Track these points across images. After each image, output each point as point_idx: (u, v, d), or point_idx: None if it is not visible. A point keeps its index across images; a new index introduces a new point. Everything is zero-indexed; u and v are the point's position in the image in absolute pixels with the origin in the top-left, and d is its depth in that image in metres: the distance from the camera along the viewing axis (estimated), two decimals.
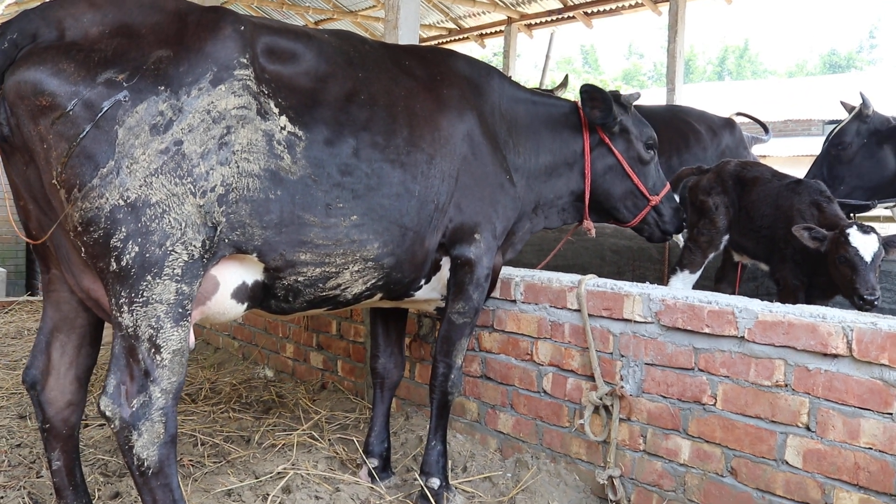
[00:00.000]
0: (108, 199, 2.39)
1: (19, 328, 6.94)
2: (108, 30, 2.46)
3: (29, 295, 9.06)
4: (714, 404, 3.04)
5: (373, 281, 3.14)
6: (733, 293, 5.06)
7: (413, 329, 4.33)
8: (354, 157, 2.93)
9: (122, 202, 2.41)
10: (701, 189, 4.89)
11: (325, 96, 2.92)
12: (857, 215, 5.23)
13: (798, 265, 4.20)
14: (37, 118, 2.36)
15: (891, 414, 2.56)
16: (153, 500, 2.60)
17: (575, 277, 3.60)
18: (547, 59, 8.44)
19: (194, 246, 2.53)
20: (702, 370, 3.08)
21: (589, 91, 3.78)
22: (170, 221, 2.47)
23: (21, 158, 2.53)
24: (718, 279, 5.30)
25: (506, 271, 3.87)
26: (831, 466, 2.71)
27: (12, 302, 7.96)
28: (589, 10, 11.01)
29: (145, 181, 2.43)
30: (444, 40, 13.41)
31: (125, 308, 2.47)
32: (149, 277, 2.46)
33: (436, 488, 3.41)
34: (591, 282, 3.50)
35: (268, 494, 3.39)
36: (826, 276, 3.92)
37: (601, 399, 3.36)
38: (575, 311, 3.53)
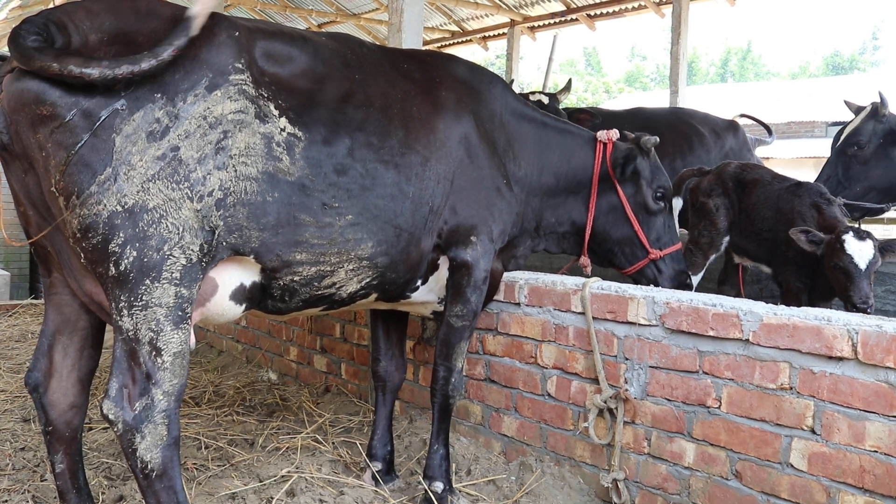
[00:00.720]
0: (105, 205, 2.40)
1: (23, 331, 6.95)
2: (105, 37, 2.47)
3: (33, 298, 9.08)
4: (719, 407, 3.03)
5: (367, 280, 3.14)
6: (737, 295, 5.05)
7: (417, 332, 4.33)
8: (349, 157, 2.93)
9: (119, 208, 2.41)
10: (701, 191, 4.90)
11: (322, 97, 2.93)
12: (866, 218, 5.17)
13: (800, 267, 4.20)
14: (36, 127, 2.37)
15: None
16: (157, 502, 2.60)
17: (579, 280, 3.60)
18: (550, 62, 8.45)
19: (192, 250, 2.54)
20: (706, 373, 3.07)
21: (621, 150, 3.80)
22: (167, 226, 2.48)
23: (20, 166, 2.54)
24: (721, 281, 5.30)
25: (510, 274, 3.86)
26: (836, 470, 2.70)
27: (16, 305, 7.98)
28: (592, 13, 11.01)
29: (142, 187, 2.43)
30: (447, 43, 13.43)
31: (125, 312, 2.48)
32: (147, 282, 2.47)
33: (439, 492, 3.41)
34: (596, 285, 3.49)
35: (272, 498, 3.39)
36: (825, 279, 3.92)
37: (605, 402, 3.36)
38: (579, 314, 3.52)
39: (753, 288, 5.61)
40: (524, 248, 3.84)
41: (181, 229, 2.50)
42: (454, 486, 3.53)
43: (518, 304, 3.79)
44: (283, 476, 3.60)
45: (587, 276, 3.64)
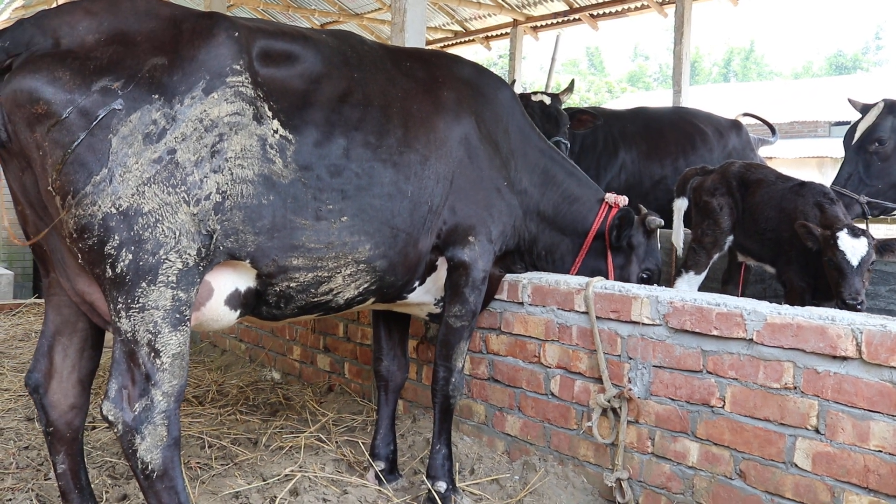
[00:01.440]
0: (100, 206, 2.40)
1: (27, 330, 6.96)
2: (103, 37, 2.47)
3: (36, 297, 9.07)
4: (722, 407, 3.03)
5: (365, 285, 3.13)
6: (741, 295, 5.05)
7: (420, 331, 4.33)
8: (345, 157, 2.92)
9: (114, 210, 2.41)
10: (705, 190, 4.89)
11: (317, 97, 2.91)
12: (876, 217, 5.09)
13: (803, 267, 4.21)
14: (33, 125, 2.37)
15: None
16: (159, 503, 2.60)
17: (583, 280, 3.59)
18: (553, 62, 8.42)
19: (189, 254, 2.53)
20: (710, 372, 3.07)
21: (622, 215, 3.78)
22: (163, 230, 2.47)
23: (18, 164, 2.54)
24: (725, 281, 5.29)
25: (513, 273, 3.86)
26: (841, 469, 2.69)
27: (20, 304, 7.99)
28: (595, 12, 10.99)
29: (137, 190, 2.43)
30: (450, 43, 13.42)
31: (123, 313, 2.48)
32: (144, 284, 2.47)
33: (442, 491, 3.41)
34: (599, 284, 3.49)
35: (275, 497, 3.39)
36: (825, 277, 3.93)
37: (609, 401, 3.35)
38: (583, 313, 3.52)
39: (757, 287, 5.60)
40: (518, 268, 3.86)
41: (178, 233, 2.49)
42: (458, 485, 3.53)
43: (521, 304, 3.79)
44: (286, 475, 3.61)
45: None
